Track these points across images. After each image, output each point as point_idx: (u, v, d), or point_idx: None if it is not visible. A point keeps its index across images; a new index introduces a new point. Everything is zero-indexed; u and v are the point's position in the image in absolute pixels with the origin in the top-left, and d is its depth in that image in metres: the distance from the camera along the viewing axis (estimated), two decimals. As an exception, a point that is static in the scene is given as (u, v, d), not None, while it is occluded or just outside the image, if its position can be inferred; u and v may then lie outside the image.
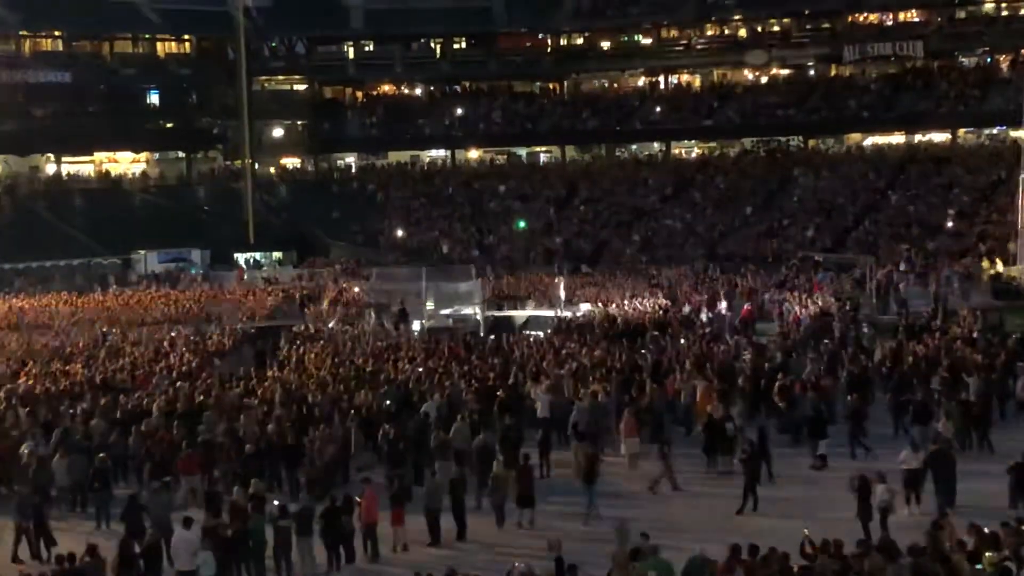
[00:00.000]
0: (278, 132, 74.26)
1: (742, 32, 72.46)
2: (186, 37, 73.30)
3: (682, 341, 32.61)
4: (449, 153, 75.06)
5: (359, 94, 77.98)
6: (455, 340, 34.92)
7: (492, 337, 35.54)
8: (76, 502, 22.36)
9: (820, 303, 38.28)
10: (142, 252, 57.92)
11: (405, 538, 19.48)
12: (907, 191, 59.27)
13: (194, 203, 67.62)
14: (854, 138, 69.32)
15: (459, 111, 74.72)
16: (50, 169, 69.87)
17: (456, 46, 77.26)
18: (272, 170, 73.39)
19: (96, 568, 16.79)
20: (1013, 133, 56.05)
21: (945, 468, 19.63)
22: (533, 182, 68.61)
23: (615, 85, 76.99)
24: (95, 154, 70.74)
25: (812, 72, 71.69)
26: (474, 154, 74.79)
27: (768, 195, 62.45)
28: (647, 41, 74.85)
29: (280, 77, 75.94)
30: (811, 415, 23.89)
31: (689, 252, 56.53)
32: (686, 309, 39.61)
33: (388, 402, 25.87)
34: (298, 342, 35.56)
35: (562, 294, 42.68)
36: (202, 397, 26.72)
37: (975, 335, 31.17)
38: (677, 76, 75.40)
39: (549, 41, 76.33)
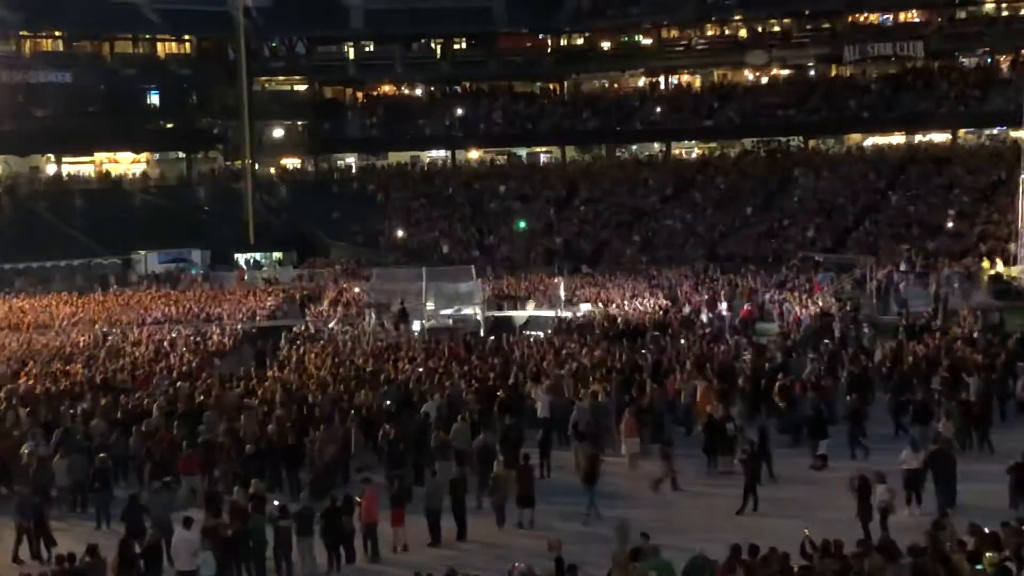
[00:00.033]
0: (278, 132, 74.26)
1: (742, 32, 72.42)
2: (186, 37, 73.27)
3: (682, 341, 32.63)
4: (449, 153, 75.04)
5: (359, 94, 77.96)
6: (455, 340, 34.97)
7: (492, 337, 35.56)
8: (76, 502, 22.39)
9: (820, 303, 38.26)
10: (142, 252, 57.88)
11: (405, 538, 19.50)
12: (907, 191, 59.25)
13: (194, 203, 67.60)
14: (854, 138, 69.31)
15: (459, 111, 74.70)
16: (50, 169, 69.88)
17: (456, 46, 77.24)
18: (272, 170, 73.38)
19: (96, 568, 16.80)
20: (1013, 133, 56.00)
21: (945, 468, 19.64)
22: (533, 182, 68.58)
23: (615, 85, 76.98)
24: (95, 154, 70.74)
25: (812, 72, 71.64)
26: (474, 154, 74.79)
27: (768, 195, 62.44)
28: (647, 41, 74.83)
29: (280, 77, 75.93)
30: (811, 415, 23.92)
31: (689, 252, 56.49)
32: (686, 309, 39.61)
33: (388, 402, 25.89)
34: (298, 342, 35.61)
35: (562, 294, 42.69)
36: (202, 397, 26.75)
37: (975, 335, 31.18)
38: (677, 76, 75.39)
39: (549, 41, 76.32)
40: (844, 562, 14.66)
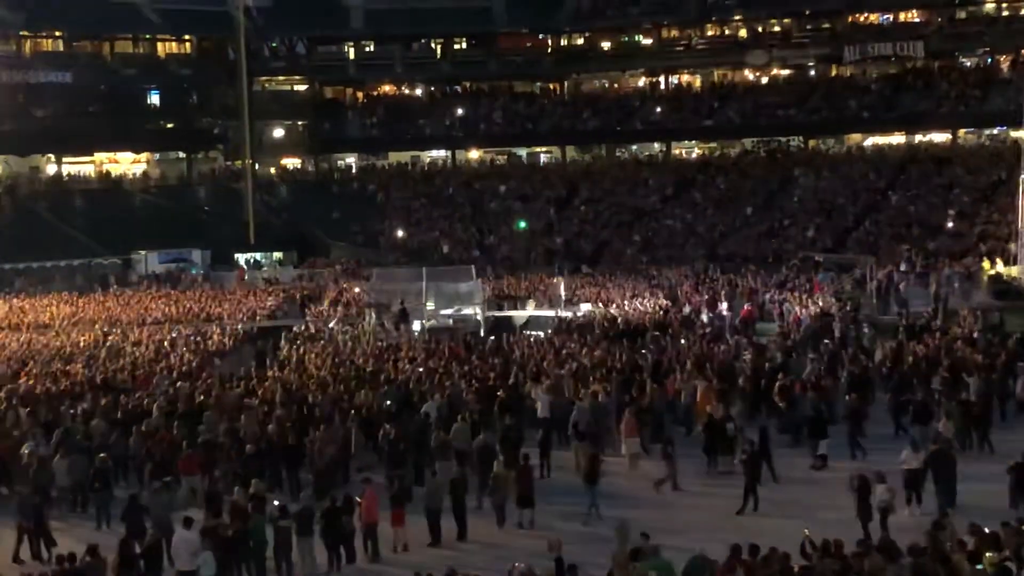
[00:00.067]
0: (278, 132, 74.24)
1: (743, 32, 72.41)
2: (186, 37, 73.24)
3: (682, 341, 32.63)
4: (449, 153, 75.04)
5: (359, 94, 77.93)
6: (455, 340, 34.97)
7: (492, 337, 35.56)
8: (77, 502, 22.39)
9: (820, 303, 38.26)
10: (143, 252, 57.88)
11: (405, 538, 19.50)
12: (907, 191, 59.27)
13: (195, 203, 67.61)
14: (854, 138, 69.33)
15: (459, 111, 74.68)
16: (51, 169, 69.87)
17: (456, 46, 77.21)
18: (272, 170, 73.36)
19: (96, 568, 16.81)
20: (1013, 133, 56.03)
21: (945, 468, 19.64)
22: (533, 182, 68.58)
23: (615, 85, 76.97)
24: (95, 154, 70.72)
25: (813, 72, 71.66)
26: (474, 154, 74.77)
27: (769, 195, 62.44)
28: (647, 41, 74.82)
29: (280, 77, 75.89)
30: (811, 415, 23.92)
31: (689, 252, 56.50)
32: (686, 309, 39.60)
33: (388, 402, 25.88)
34: (298, 342, 35.60)
35: (562, 294, 42.71)
36: (203, 397, 26.75)
37: (975, 335, 31.18)
38: (677, 76, 75.38)
39: (549, 41, 76.28)
40: (844, 562, 14.65)
